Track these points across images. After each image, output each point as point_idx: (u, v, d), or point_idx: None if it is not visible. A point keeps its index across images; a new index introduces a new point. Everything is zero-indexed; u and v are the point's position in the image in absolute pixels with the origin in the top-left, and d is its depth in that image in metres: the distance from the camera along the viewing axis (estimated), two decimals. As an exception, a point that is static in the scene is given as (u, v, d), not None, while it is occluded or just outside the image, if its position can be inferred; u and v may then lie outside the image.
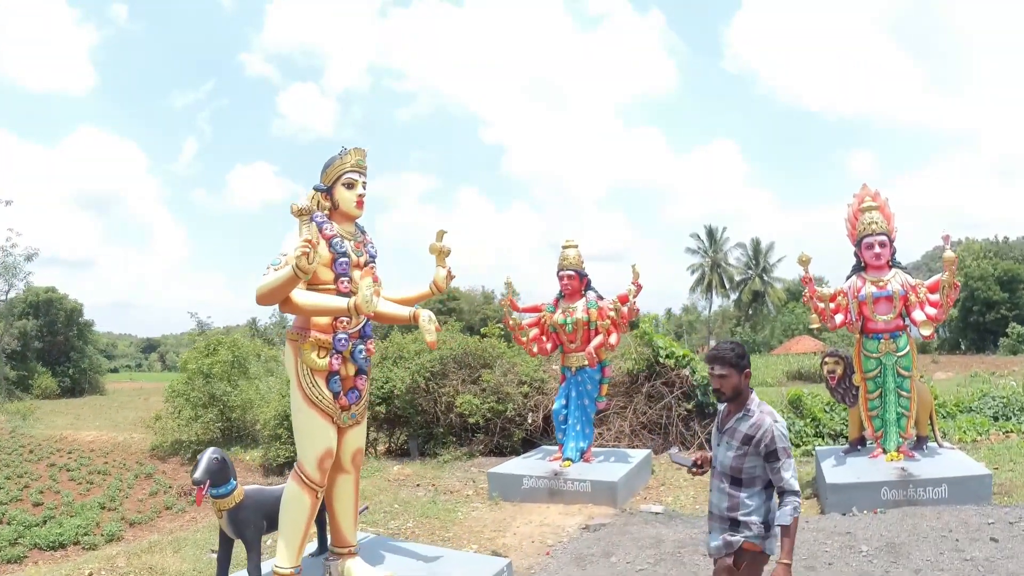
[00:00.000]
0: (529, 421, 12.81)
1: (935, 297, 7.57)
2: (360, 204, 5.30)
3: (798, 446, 11.15)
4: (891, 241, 7.91)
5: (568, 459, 9.36)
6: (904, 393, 7.76)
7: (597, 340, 9.28)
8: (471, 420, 12.73)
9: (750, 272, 72.55)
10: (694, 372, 12.13)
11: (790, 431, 11.34)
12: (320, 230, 5.02)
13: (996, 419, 12.08)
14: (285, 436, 14.77)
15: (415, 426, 13.78)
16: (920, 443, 8.17)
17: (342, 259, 5.04)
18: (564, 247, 9.78)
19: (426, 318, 5.24)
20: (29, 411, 31.62)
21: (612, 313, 9.22)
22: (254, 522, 4.96)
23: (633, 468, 9.18)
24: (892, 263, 7.94)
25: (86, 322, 56.94)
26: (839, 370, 8.26)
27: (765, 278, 70.88)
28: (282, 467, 15.20)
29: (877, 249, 7.78)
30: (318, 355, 4.95)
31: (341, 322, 4.98)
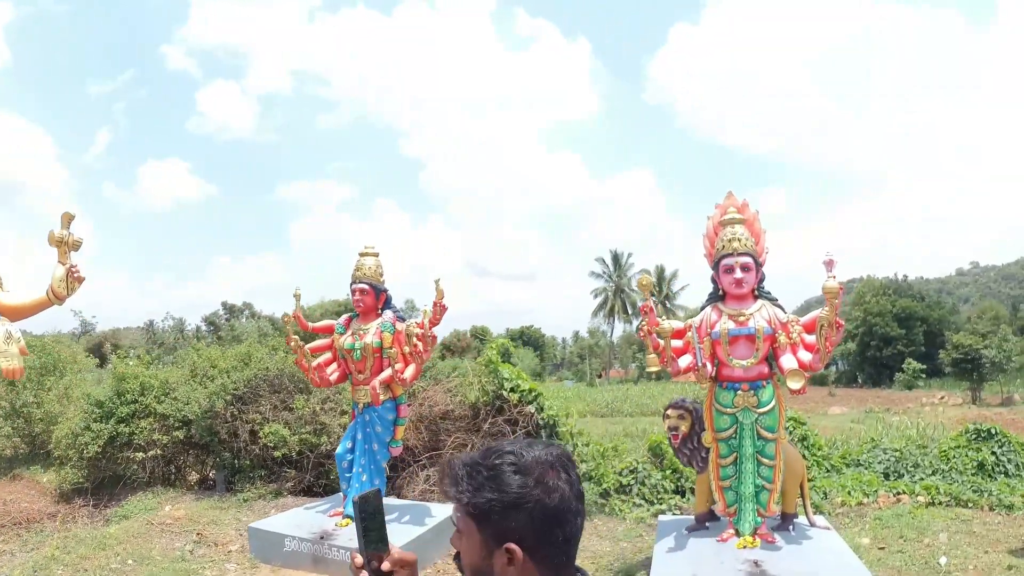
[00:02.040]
0: (348, 458, 10.90)
1: (811, 339, 5.61)
2: None
3: (652, 503, 9.34)
4: (759, 264, 6.01)
5: (348, 517, 7.56)
6: (766, 461, 5.89)
7: (385, 373, 7.36)
8: (277, 454, 10.90)
9: (653, 299, 71.65)
10: (541, 409, 10.31)
11: (645, 484, 9.55)
12: None
13: (887, 476, 10.50)
14: (75, 457, 12.80)
15: (221, 456, 11.87)
16: (786, 522, 6.32)
17: None
18: (361, 254, 7.90)
19: (1, 336, 3.86)
20: None
21: (417, 342, 7.26)
22: None
23: (427, 532, 7.31)
24: (759, 292, 6.07)
25: None
26: (684, 427, 6.32)
27: (668, 305, 70.66)
28: (73, 492, 13.11)
29: (739, 273, 5.85)
30: None
31: None
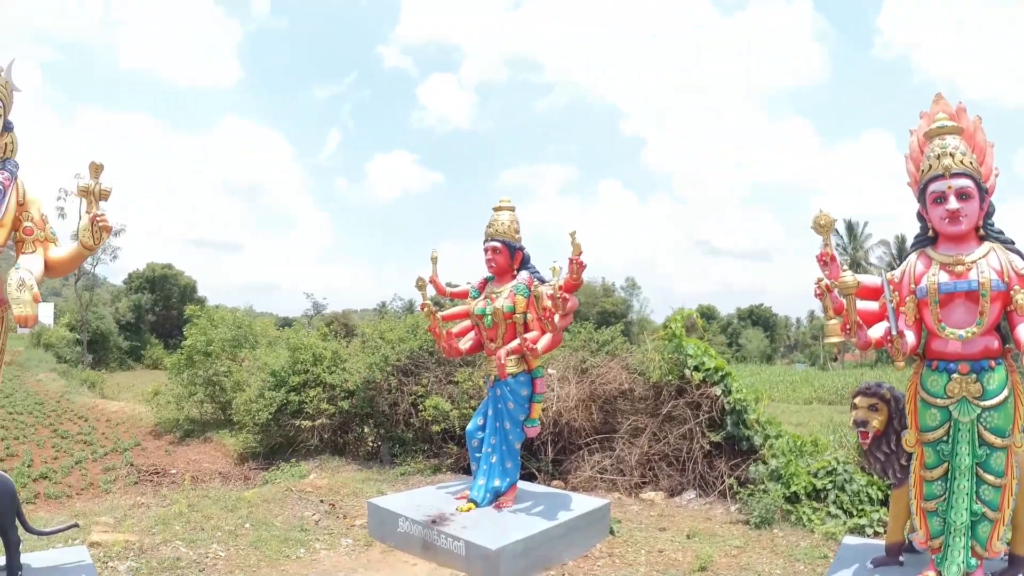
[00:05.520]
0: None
1: None
2: None
3: (850, 515, 7.61)
4: (983, 191, 4.12)
5: (472, 501, 6.40)
6: (990, 478, 4.08)
7: (514, 343, 6.19)
8: (435, 428, 10.48)
9: (840, 245, 65.49)
10: (728, 392, 8.80)
11: (845, 490, 7.78)
12: None
13: None
14: (250, 423, 13.71)
15: (384, 428, 11.70)
16: (1015, 568, 4.49)
17: None
18: (495, 209, 6.81)
19: (15, 283, 3.88)
20: (99, 380, 32.31)
21: (548, 303, 6.02)
22: None
23: (553, 529, 6.05)
24: (986, 232, 4.22)
25: (200, 298, 58.48)
26: (876, 422, 4.63)
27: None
28: (248, 456, 14.43)
29: (953, 203, 3.99)
30: None
31: None
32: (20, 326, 3.78)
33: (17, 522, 4.71)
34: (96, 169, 4.19)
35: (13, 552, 4.59)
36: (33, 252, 4.36)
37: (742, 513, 7.80)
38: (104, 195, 4.22)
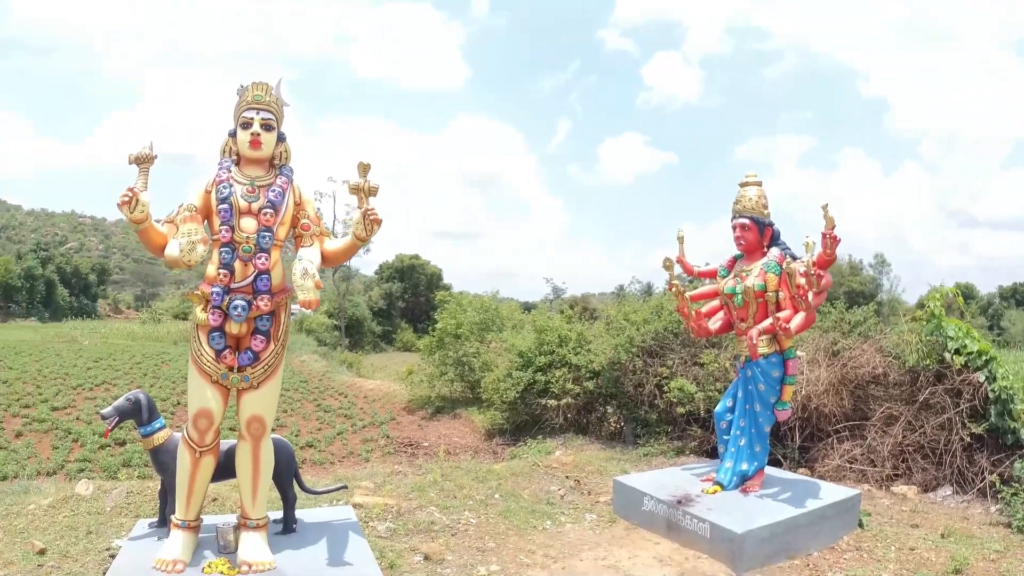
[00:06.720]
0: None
1: None
2: (255, 144, 4.79)
3: None
4: None
5: (718, 484, 6.61)
6: None
7: (766, 321, 6.17)
8: (679, 411, 10.45)
9: None
10: (992, 379, 8.21)
11: None
12: (216, 176, 4.77)
13: None
14: (498, 401, 14.44)
15: (627, 408, 11.78)
16: None
17: (222, 206, 4.68)
18: (741, 184, 6.78)
19: (299, 272, 4.46)
20: (356, 361, 34.77)
21: (802, 280, 5.99)
22: (172, 467, 4.79)
23: (801, 517, 6.06)
24: None
25: (445, 285, 61.41)
26: None
27: None
28: (496, 431, 15.26)
29: None
30: (202, 309, 4.67)
31: (220, 274, 4.61)
32: (304, 309, 4.36)
33: (294, 481, 5.37)
34: (364, 169, 4.71)
35: (290, 507, 5.26)
36: (311, 245, 4.92)
37: (1004, 515, 7.19)
38: (373, 191, 4.74)
